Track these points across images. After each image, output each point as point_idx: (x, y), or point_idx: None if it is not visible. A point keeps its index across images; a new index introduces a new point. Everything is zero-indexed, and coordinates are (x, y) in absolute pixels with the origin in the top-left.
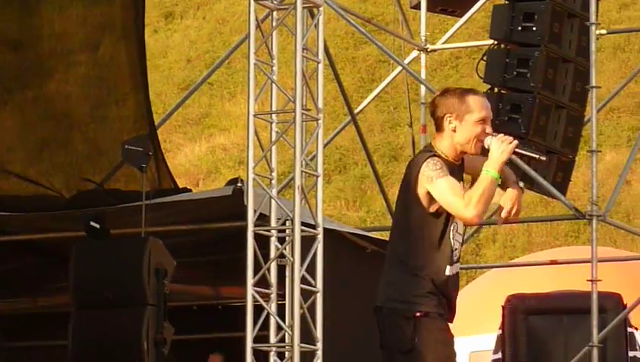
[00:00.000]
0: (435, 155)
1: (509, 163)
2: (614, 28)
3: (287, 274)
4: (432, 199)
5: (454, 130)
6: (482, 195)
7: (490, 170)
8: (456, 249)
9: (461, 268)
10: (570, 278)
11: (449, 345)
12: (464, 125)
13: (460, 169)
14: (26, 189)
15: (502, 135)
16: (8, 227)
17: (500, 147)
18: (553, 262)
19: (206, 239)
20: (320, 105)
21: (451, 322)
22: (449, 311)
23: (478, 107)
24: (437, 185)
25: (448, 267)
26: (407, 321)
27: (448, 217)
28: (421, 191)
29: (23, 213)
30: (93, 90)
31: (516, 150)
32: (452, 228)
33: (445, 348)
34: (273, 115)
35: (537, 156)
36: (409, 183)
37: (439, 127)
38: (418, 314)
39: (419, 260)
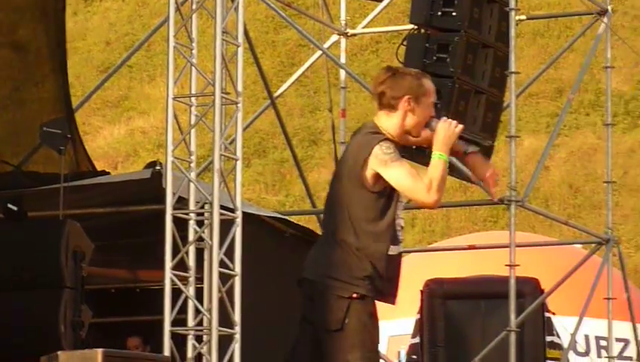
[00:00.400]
0: (386, 138)
1: None
2: (534, 14)
3: (205, 257)
4: (378, 180)
5: (411, 112)
6: (441, 180)
7: (442, 153)
8: (399, 229)
9: None
10: (488, 263)
11: (376, 329)
12: (420, 108)
13: (400, 150)
14: None
15: (446, 118)
16: None
17: (448, 130)
18: (472, 247)
19: (124, 222)
20: (239, 88)
21: (394, 304)
22: (390, 293)
23: (431, 90)
24: (393, 169)
25: (392, 247)
26: (341, 301)
27: (392, 196)
28: (369, 173)
29: None
30: (12, 73)
31: (461, 134)
32: (396, 207)
33: (372, 332)
34: (192, 98)
35: (480, 142)
36: (355, 163)
37: (393, 107)
38: (355, 295)
39: (361, 240)
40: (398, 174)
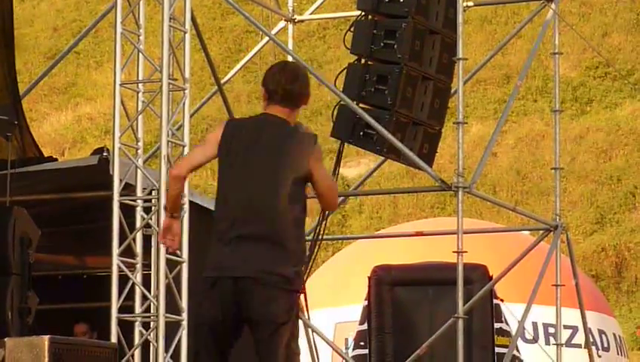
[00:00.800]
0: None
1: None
2: (481, 0)
3: (152, 244)
4: (308, 175)
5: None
6: None
7: None
8: None
9: (327, 239)
10: (436, 250)
11: None
12: None
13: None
14: None
15: None
16: None
17: None
18: (419, 234)
19: (71, 208)
20: (187, 74)
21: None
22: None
23: None
24: (324, 168)
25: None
26: (287, 294)
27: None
28: (306, 169)
29: None
30: None
31: None
32: None
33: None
34: (140, 85)
35: None
36: (301, 158)
37: (300, 106)
38: (296, 289)
39: (301, 236)
40: (326, 173)
